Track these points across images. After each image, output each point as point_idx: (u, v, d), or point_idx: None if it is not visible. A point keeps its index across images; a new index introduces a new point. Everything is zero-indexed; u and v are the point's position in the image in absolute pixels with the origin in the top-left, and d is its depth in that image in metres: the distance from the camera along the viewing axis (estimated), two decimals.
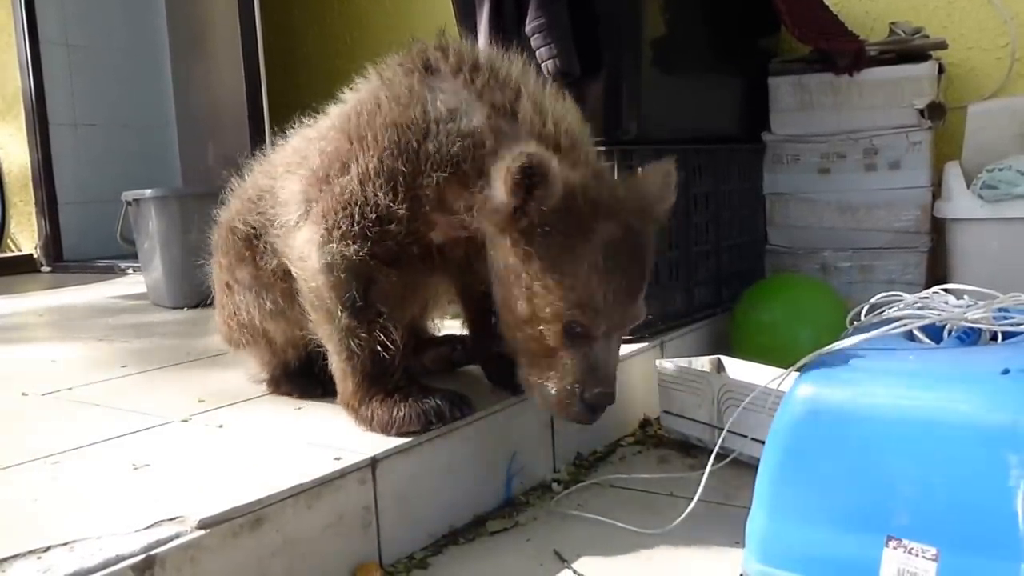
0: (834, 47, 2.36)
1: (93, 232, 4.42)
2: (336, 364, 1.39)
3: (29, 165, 4.53)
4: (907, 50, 2.37)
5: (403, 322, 1.41)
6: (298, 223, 1.39)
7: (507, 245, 1.26)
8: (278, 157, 1.53)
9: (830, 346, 1.22)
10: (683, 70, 2.16)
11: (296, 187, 1.41)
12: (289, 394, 1.59)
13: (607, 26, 1.91)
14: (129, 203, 2.93)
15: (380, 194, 1.30)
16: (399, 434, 1.31)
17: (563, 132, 1.29)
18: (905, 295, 1.39)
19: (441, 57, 1.36)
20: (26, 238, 4.72)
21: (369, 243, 1.32)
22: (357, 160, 1.32)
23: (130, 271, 3.92)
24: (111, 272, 4.07)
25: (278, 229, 1.43)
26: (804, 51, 2.49)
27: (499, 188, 1.21)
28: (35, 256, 4.60)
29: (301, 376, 1.57)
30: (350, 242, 1.32)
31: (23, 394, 1.73)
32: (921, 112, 2.30)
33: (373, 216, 1.31)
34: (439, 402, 1.35)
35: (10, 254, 4.71)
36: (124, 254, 3.80)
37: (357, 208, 1.31)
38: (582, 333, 1.24)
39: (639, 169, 1.40)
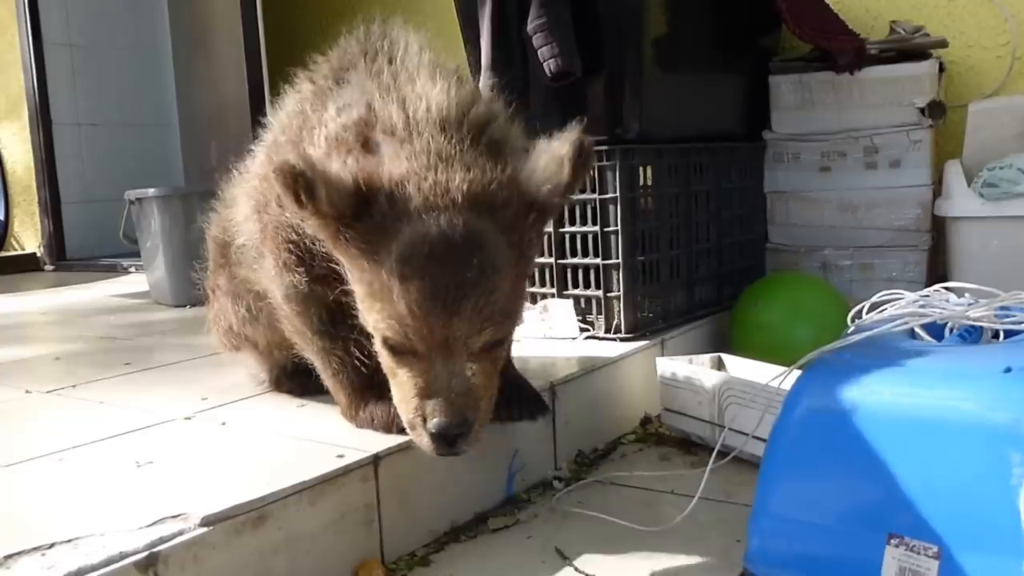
0: (835, 45, 2.36)
1: (96, 231, 4.44)
2: (326, 380, 1.39)
3: (32, 164, 4.54)
4: (908, 48, 2.36)
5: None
6: (259, 255, 1.38)
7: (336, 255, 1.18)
8: (251, 164, 1.51)
9: (832, 344, 1.22)
10: (684, 69, 2.16)
11: (246, 214, 1.39)
12: (291, 392, 1.60)
13: (609, 25, 1.91)
14: (132, 202, 2.94)
15: (289, 214, 1.23)
16: (401, 431, 1.27)
17: (407, 119, 1.14)
18: (906, 293, 1.39)
19: (356, 47, 1.31)
20: (29, 237, 4.73)
21: (304, 268, 1.27)
22: (273, 184, 1.20)
23: (133, 270, 3.93)
24: (114, 271, 4.08)
25: (244, 256, 1.43)
26: (805, 49, 2.49)
27: (284, 201, 1.12)
28: (38, 255, 4.62)
29: (301, 375, 1.57)
30: (293, 271, 1.28)
31: (27, 391, 1.74)
32: (922, 110, 2.30)
33: (295, 237, 1.26)
34: None
35: (14, 253, 4.72)
36: (127, 253, 3.82)
37: (283, 233, 1.27)
38: (405, 351, 1.10)
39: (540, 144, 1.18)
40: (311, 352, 1.38)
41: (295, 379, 1.58)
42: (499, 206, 1.10)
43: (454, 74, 1.25)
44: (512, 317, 1.16)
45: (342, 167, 1.10)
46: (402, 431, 1.27)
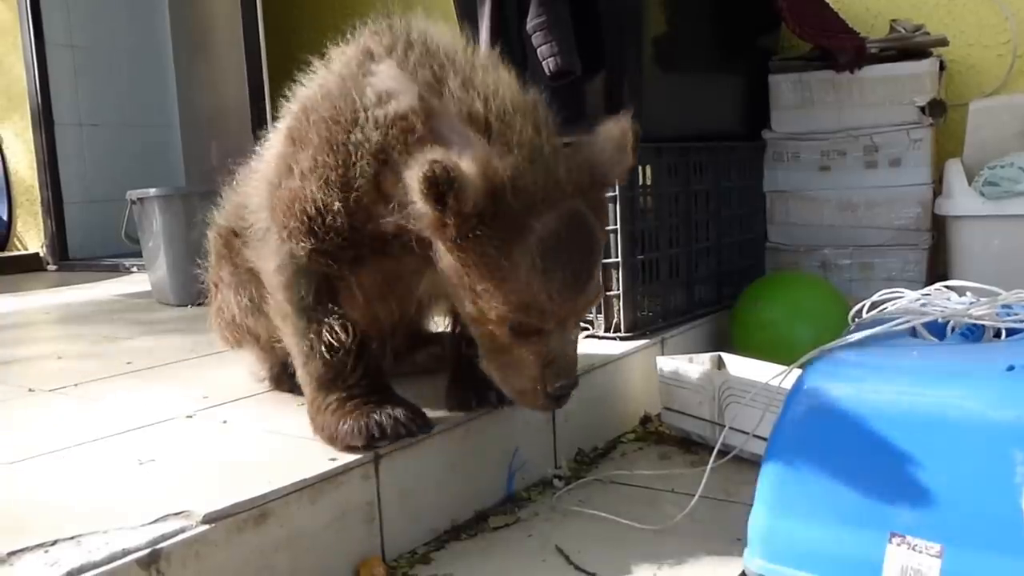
0: (835, 44, 2.36)
1: (98, 231, 4.45)
2: (299, 372, 1.35)
3: (35, 164, 4.55)
4: (908, 47, 2.37)
5: (367, 322, 1.38)
6: (264, 235, 1.38)
7: (443, 249, 1.19)
8: (255, 164, 1.52)
9: (833, 343, 1.22)
10: (684, 68, 2.16)
11: (258, 198, 1.40)
12: (291, 391, 1.59)
13: (608, 24, 1.91)
14: (133, 202, 2.95)
15: (314, 189, 1.26)
16: (344, 448, 1.25)
17: (494, 110, 1.18)
18: (907, 292, 1.39)
19: (377, 39, 1.30)
20: (32, 237, 4.74)
21: (314, 239, 1.28)
22: (297, 160, 1.29)
23: (134, 269, 3.94)
24: (116, 270, 4.09)
25: (250, 241, 1.43)
26: (805, 48, 2.49)
27: (416, 199, 1.12)
28: (41, 255, 4.62)
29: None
30: (297, 240, 1.29)
31: (30, 390, 1.75)
32: (922, 109, 2.30)
33: (313, 211, 1.27)
34: (387, 417, 1.26)
35: (17, 253, 4.73)
36: (129, 252, 3.82)
37: (298, 205, 1.28)
38: (532, 330, 1.19)
39: (595, 130, 1.27)
40: (288, 334, 1.35)
41: (294, 378, 1.58)
42: (589, 190, 1.21)
43: (500, 63, 1.29)
44: (602, 287, 1.30)
45: (471, 166, 1.11)
46: (346, 448, 1.25)
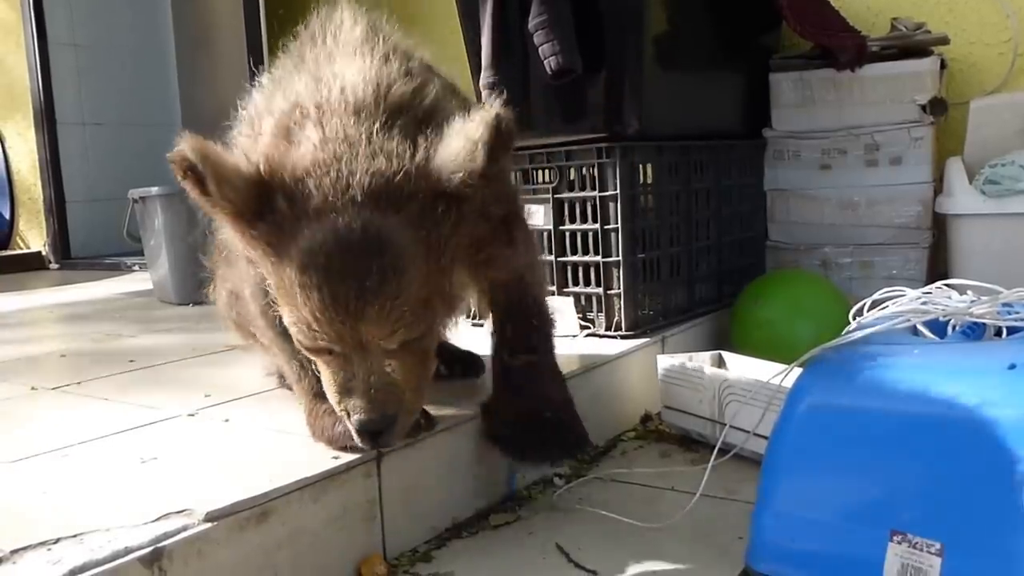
0: (835, 43, 2.35)
1: (100, 230, 4.46)
2: (293, 385, 1.35)
3: (37, 163, 4.56)
4: (909, 45, 2.36)
5: None
6: (236, 259, 1.34)
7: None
8: None
9: (833, 341, 1.22)
10: (685, 66, 2.16)
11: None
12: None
13: (610, 22, 1.91)
14: (135, 201, 2.95)
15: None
16: (340, 449, 1.23)
17: (323, 98, 1.08)
18: (908, 290, 1.38)
19: (307, 36, 1.23)
20: (35, 235, 4.75)
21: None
22: None
23: (136, 268, 3.95)
24: (118, 269, 4.10)
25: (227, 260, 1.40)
26: (805, 47, 2.49)
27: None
28: (43, 253, 4.63)
29: None
30: (253, 266, 1.22)
31: (32, 388, 1.75)
32: (923, 108, 2.29)
33: None
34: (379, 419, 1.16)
35: (19, 251, 4.74)
36: (131, 251, 3.83)
37: None
38: (322, 348, 1.07)
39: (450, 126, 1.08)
40: (278, 357, 1.34)
41: None
42: (404, 199, 1.03)
43: (387, 50, 1.16)
44: (428, 313, 1.08)
45: (243, 158, 1.04)
46: (341, 448, 1.22)
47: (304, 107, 1.08)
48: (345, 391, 1.08)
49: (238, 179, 1.01)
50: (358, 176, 1.01)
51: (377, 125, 1.05)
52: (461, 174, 1.02)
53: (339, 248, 1.00)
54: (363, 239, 1.00)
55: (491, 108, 1.04)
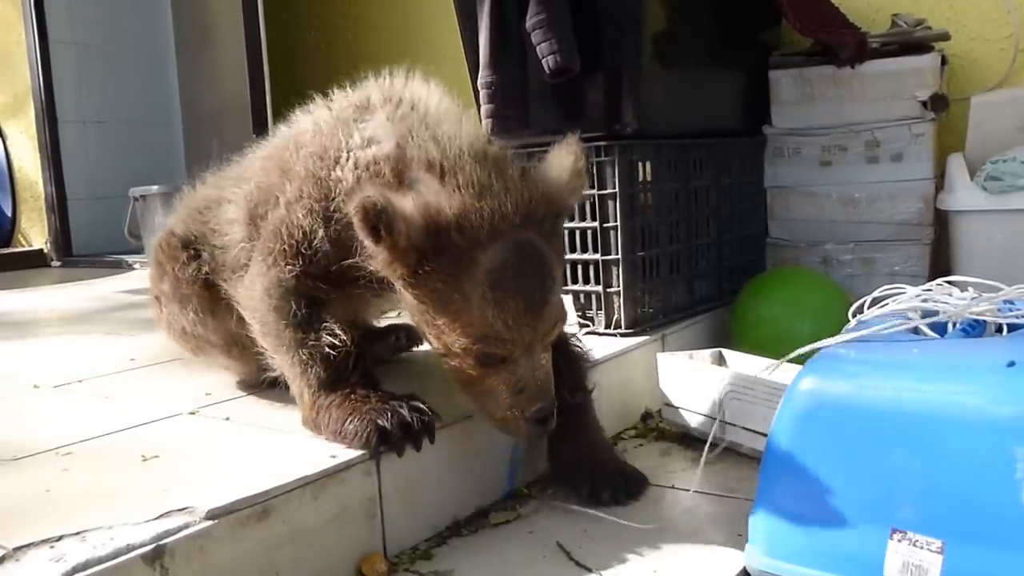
0: (835, 39, 2.35)
1: (102, 227, 4.46)
2: (294, 386, 1.37)
3: (39, 162, 4.56)
4: (909, 42, 2.36)
5: (352, 327, 1.39)
6: (244, 261, 1.43)
7: (400, 288, 1.25)
8: (230, 172, 1.58)
9: (833, 338, 1.22)
10: (684, 64, 2.15)
11: (235, 217, 1.46)
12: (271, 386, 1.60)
13: (608, 21, 1.91)
14: (136, 199, 2.96)
15: (300, 216, 1.33)
16: (349, 446, 1.25)
17: (449, 156, 1.24)
18: (908, 287, 1.38)
19: (378, 91, 1.40)
20: (36, 233, 4.75)
21: (300, 262, 1.34)
22: (284, 190, 1.37)
23: (137, 266, 3.95)
24: (119, 267, 4.10)
25: (224, 265, 1.48)
26: (805, 44, 2.49)
27: (359, 234, 1.19)
28: (45, 251, 4.64)
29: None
30: (284, 264, 1.35)
31: (35, 386, 1.75)
32: (924, 104, 2.29)
33: (300, 236, 1.34)
34: (393, 417, 1.25)
35: (21, 249, 4.74)
36: (132, 249, 3.83)
37: (285, 229, 1.35)
38: (497, 359, 1.23)
39: (545, 158, 1.33)
40: (282, 351, 1.37)
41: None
42: (541, 220, 1.24)
43: (470, 117, 1.37)
44: (565, 310, 1.30)
45: (410, 204, 1.18)
46: (350, 445, 1.25)
47: (423, 159, 1.24)
48: (517, 391, 1.23)
49: (416, 223, 1.16)
50: (508, 207, 1.20)
51: (497, 173, 1.24)
52: (575, 194, 1.31)
53: (520, 263, 1.20)
54: (532, 252, 1.21)
55: (572, 142, 1.31)
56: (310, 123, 1.43)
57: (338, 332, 1.32)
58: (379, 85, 1.42)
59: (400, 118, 1.33)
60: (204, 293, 1.53)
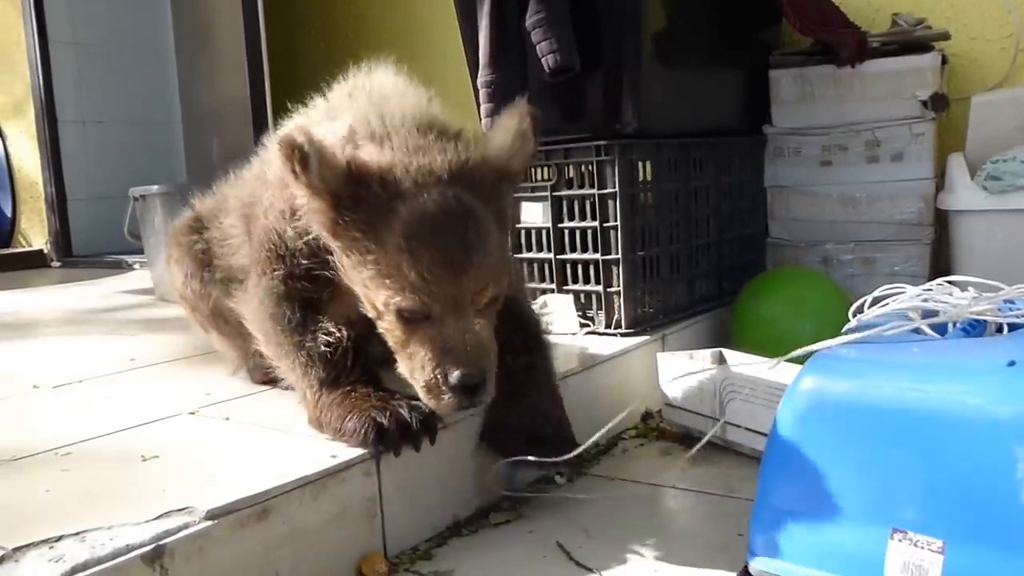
0: (836, 38, 2.34)
1: (102, 228, 4.45)
2: (298, 388, 1.37)
3: (39, 162, 4.56)
4: (910, 41, 2.35)
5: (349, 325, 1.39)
6: (245, 276, 1.48)
7: (336, 251, 1.26)
8: (233, 189, 1.62)
9: (834, 338, 1.22)
10: (684, 63, 2.15)
11: (245, 251, 1.50)
12: (256, 380, 1.65)
13: (608, 20, 1.91)
14: (136, 199, 2.95)
15: (272, 220, 1.37)
16: (348, 444, 1.25)
17: (386, 124, 1.28)
18: (909, 287, 1.37)
19: (345, 91, 1.43)
20: (36, 233, 4.75)
21: (284, 265, 1.37)
22: (262, 200, 1.41)
23: (137, 266, 3.95)
24: (119, 267, 4.10)
25: (231, 283, 1.53)
26: (805, 43, 2.48)
27: (283, 173, 1.22)
28: (45, 251, 4.63)
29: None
30: (271, 271, 1.38)
31: (34, 387, 1.75)
32: (924, 103, 2.28)
33: (276, 238, 1.36)
34: (392, 416, 1.23)
35: (21, 249, 4.74)
36: (132, 249, 3.82)
37: (265, 235, 1.38)
38: (419, 318, 1.20)
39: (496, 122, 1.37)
40: (282, 356, 1.38)
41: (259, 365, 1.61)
42: (477, 180, 1.24)
43: (420, 93, 1.39)
44: (503, 277, 1.27)
45: (337, 150, 1.20)
46: (350, 444, 1.25)
47: (366, 129, 1.28)
48: (443, 352, 1.19)
49: (337, 167, 1.19)
50: (438, 163, 1.22)
51: (435, 137, 1.27)
52: (517, 157, 1.30)
53: (440, 214, 1.19)
54: (457, 207, 1.20)
55: (519, 105, 1.31)
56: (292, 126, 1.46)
57: (332, 330, 1.33)
58: (350, 82, 1.45)
59: (351, 102, 1.37)
60: (195, 258, 1.62)
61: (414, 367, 1.22)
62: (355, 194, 1.20)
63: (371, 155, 1.23)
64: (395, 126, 1.27)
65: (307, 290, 1.37)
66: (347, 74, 1.48)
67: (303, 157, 1.17)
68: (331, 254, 1.30)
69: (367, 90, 1.38)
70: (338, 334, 1.32)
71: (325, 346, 1.32)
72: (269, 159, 1.44)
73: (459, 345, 1.19)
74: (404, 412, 1.24)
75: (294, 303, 1.36)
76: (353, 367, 1.32)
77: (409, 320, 1.21)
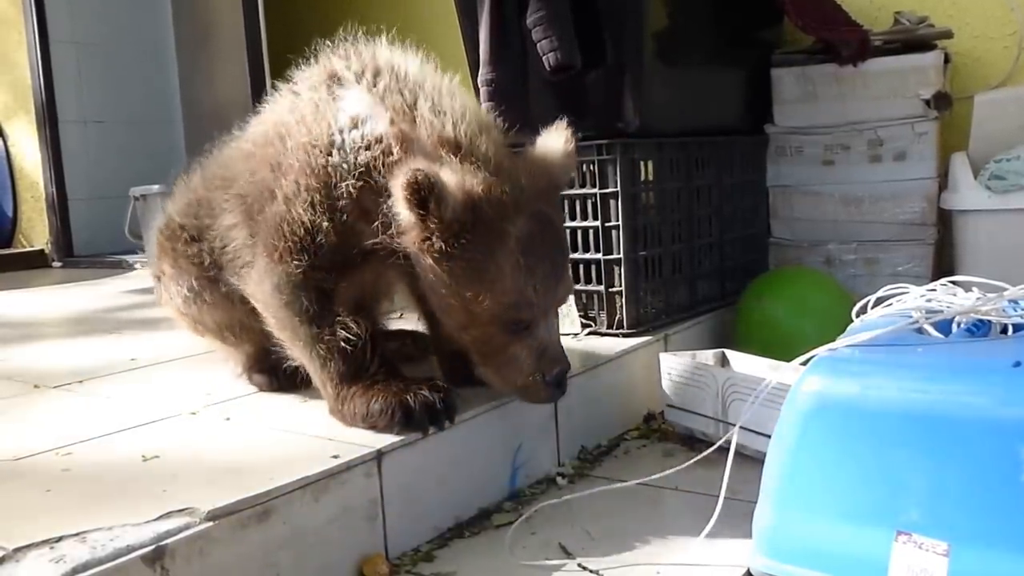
0: (838, 37, 2.34)
1: (103, 227, 4.45)
2: (315, 377, 1.40)
3: (40, 162, 4.56)
4: (912, 40, 2.35)
5: (369, 320, 1.42)
6: (249, 261, 1.44)
7: (428, 263, 1.27)
8: (214, 169, 1.58)
9: (837, 340, 1.21)
10: (685, 62, 2.14)
11: (235, 222, 1.46)
12: (259, 386, 1.62)
13: (609, 18, 1.90)
14: (137, 198, 2.95)
15: (301, 211, 1.34)
16: (376, 426, 1.29)
17: (463, 133, 1.30)
18: (912, 287, 1.37)
19: (343, 64, 1.40)
20: (37, 234, 4.74)
21: (306, 257, 1.35)
22: (280, 185, 1.36)
23: (138, 266, 3.95)
24: (120, 267, 4.09)
25: (231, 263, 1.48)
26: (807, 42, 2.47)
27: (400, 208, 1.23)
28: (46, 251, 4.63)
29: (266, 367, 1.59)
30: (290, 260, 1.36)
31: (35, 386, 1.75)
32: (927, 102, 2.27)
33: (302, 232, 1.35)
34: (416, 397, 1.30)
35: (22, 249, 4.73)
36: (133, 249, 3.83)
37: (288, 227, 1.35)
38: (522, 325, 1.31)
39: (537, 139, 1.44)
40: (299, 346, 1.39)
41: (264, 371, 1.61)
42: (551, 196, 1.40)
43: (456, 84, 1.42)
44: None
45: (452, 178, 1.23)
46: (372, 426, 1.30)
47: (445, 138, 1.30)
48: (540, 354, 1.33)
49: (459, 198, 1.23)
50: (523, 183, 1.30)
51: (502, 148, 1.36)
52: (566, 174, 1.45)
53: (543, 232, 1.31)
54: (552, 224, 1.35)
55: (561, 126, 1.43)
56: (287, 112, 1.43)
57: (351, 325, 1.34)
58: (344, 56, 1.42)
59: (386, 90, 1.35)
60: (202, 275, 1.55)
61: (510, 370, 1.34)
62: (470, 219, 1.24)
63: (463, 173, 1.25)
64: (470, 136, 1.31)
65: (327, 280, 1.37)
66: (336, 48, 1.44)
67: (440, 197, 1.20)
68: (400, 257, 1.32)
69: (394, 75, 1.37)
70: (356, 328, 1.34)
71: (345, 341, 1.33)
72: (274, 142, 1.41)
73: (552, 347, 1.34)
74: (427, 393, 1.31)
75: (311, 293, 1.36)
76: (372, 359, 1.35)
77: (510, 329, 1.31)
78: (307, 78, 1.44)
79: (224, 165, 1.55)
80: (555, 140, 1.42)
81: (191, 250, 1.56)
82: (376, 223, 1.30)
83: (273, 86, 1.52)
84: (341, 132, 1.34)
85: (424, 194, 1.19)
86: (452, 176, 1.23)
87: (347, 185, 1.31)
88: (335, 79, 1.39)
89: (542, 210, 1.32)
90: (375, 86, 1.36)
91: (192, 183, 1.64)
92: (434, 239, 1.24)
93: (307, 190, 1.34)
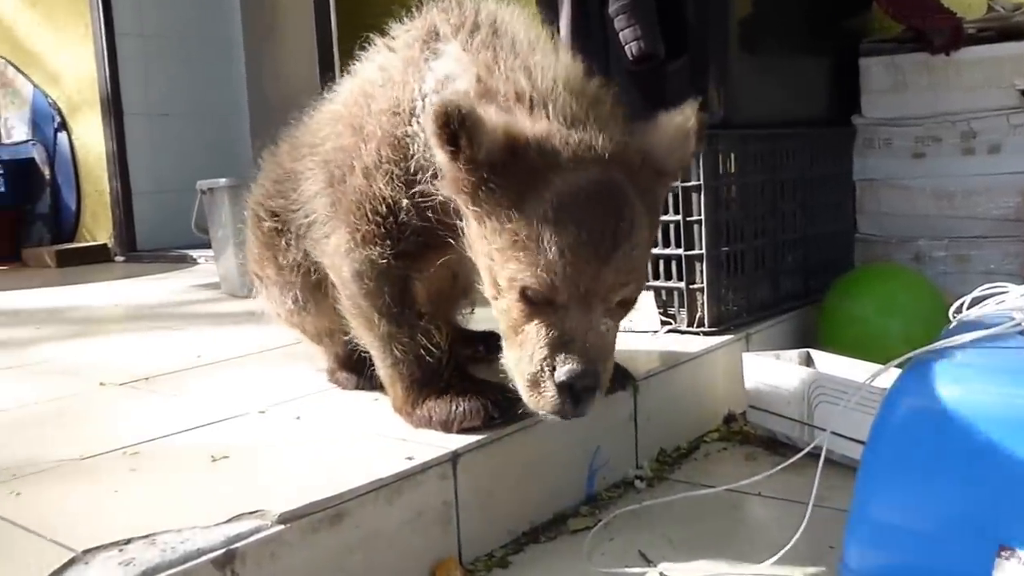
0: (929, 25, 2.27)
1: (166, 222, 4.51)
2: (382, 370, 1.36)
3: (104, 155, 4.64)
4: (1008, 27, 2.27)
5: (446, 318, 1.40)
6: (327, 232, 1.37)
7: (467, 217, 1.16)
8: (303, 137, 1.51)
9: (938, 342, 1.14)
10: (771, 51, 2.11)
11: (317, 190, 1.39)
12: (342, 384, 1.60)
13: (693, 6, 1.87)
14: (203, 192, 2.96)
15: (382, 186, 1.26)
16: (461, 430, 1.27)
17: (539, 87, 1.16)
18: (1012, 286, 1.31)
19: (445, 18, 1.31)
20: (100, 228, 4.84)
21: (391, 242, 1.28)
22: (360, 155, 1.29)
23: (202, 260, 3.99)
24: (183, 261, 4.15)
25: (309, 231, 1.42)
26: (897, 30, 2.41)
27: (432, 146, 1.12)
28: (109, 246, 4.71)
29: (354, 367, 1.56)
30: (373, 245, 1.28)
31: (101, 384, 1.75)
32: (1022, 93, 2.19)
33: (385, 210, 1.27)
34: (495, 397, 1.28)
35: (85, 244, 4.83)
36: (195, 243, 3.86)
37: (368, 205, 1.28)
38: (543, 301, 1.09)
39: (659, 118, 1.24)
40: (372, 338, 1.35)
41: (348, 370, 1.58)
42: (637, 168, 1.14)
43: (565, 49, 1.29)
44: (644, 278, 1.19)
45: (492, 116, 1.10)
46: (463, 430, 1.27)
47: (512, 91, 1.16)
48: (557, 344, 1.08)
49: (496, 136, 1.08)
50: (600, 141, 1.11)
51: (595, 113, 1.16)
52: (677, 156, 1.21)
53: (596, 191, 1.09)
54: (615, 189, 1.11)
55: (690, 105, 1.21)
56: (376, 70, 1.35)
57: (433, 334, 1.30)
58: (445, 10, 1.32)
59: (480, 46, 1.24)
60: (305, 280, 1.50)
61: (521, 356, 1.12)
62: (507, 162, 1.09)
63: (525, 122, 1.12)
64: (548, 90, 1.16)
65: (410, 268, 1.31)
66: (439, 3, 1.35)
67: (470, 128, 1.07)
68: (457, 218, 1.20)
69: (494, 30, 1.26)
70: (437, 338, 1.30)
71: (424, 349, 1.30)
72: (360, 103, 1.34)
73: (579, 339, 1.08)
74: (499, 396, 1.26)
75: (394, 287, 1.31)
76: (447, 366, 1.31)
77: (531, 301, 1.10)
78: (406, 31, 1.37)
79: (312, 131, 1.48)
80: (673, 119, 1.21)
81: (292, 257, 1.50)
82: (426, 175, 1.21)
83: (363, 44, 1.45)
84: (424, 97, 1.24)
85: (454, 127, 1.06)
86: (494, 114, 1.11)
87: (423, 155, 1.23)
88: (433, 34, 1.31)
89: (612, 176, 1.10)
90: (470, 41, 1.26)
91: (279, 155, 1.58)
92: (464, 182, 1.10)
93: (388, 162, 1.26)
